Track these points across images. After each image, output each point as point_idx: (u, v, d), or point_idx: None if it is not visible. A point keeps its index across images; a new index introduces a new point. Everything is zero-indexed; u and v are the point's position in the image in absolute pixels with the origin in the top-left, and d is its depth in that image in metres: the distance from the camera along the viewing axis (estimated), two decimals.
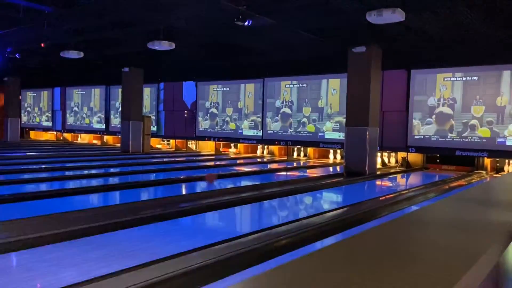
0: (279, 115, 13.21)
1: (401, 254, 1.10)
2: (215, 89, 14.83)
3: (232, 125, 14.31)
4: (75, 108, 19.26)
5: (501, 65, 9.77)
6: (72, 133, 19.98)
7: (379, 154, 11.04)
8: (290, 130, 12.98)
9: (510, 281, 1.65)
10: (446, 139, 10.43)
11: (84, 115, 18.90)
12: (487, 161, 10.55)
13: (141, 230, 4.26)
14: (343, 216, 5.12)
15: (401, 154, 11.47)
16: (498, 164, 10.67)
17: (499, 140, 9.82)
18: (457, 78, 10.34)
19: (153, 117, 16.18)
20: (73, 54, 10.81)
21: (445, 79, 10.48)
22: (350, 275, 0.88)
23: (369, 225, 3.56)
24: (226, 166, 11.00)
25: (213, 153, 14.94)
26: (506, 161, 10.49)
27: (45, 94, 20.68)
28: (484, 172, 10.37)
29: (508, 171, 10.39)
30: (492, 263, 1.16)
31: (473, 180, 9.08)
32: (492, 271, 1.15)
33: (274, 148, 14.00)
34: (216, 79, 14.75)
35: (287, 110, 13.09)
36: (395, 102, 11.15)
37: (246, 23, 7.22)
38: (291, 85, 13.03)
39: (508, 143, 9.72)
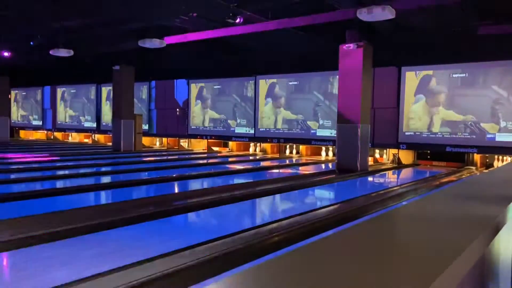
0: (269, 112, 13.23)
1: (384, 248, 1.11)
2: (207, 87, 14.79)
3: (224, 123, 14.29)
4: (66, 107, 19.10)
5: (490, 62, 9.86)
6: (62, 132, 19.83)
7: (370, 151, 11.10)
8: (280, 127, 13.00)
9: (495, 273, 1.69)
10: (437, 136, 10.52)
11: (75, 114, 18.75)
12: (477, 157, 10.66)
13: (133, 229, 4.26)
14: (334, 212, 5.15)
15: (392, 151, 11.56)
16: (487, 160, 10.80)
17: (488, 136, 9.92)
18: (448, 75, 10.42)
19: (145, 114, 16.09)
20: (63, 52, 10.72)
21: (435, 76, 10.55)
22: (331, 272, 0.90)
23: (360, 222, 3.59)
24: (218, 164, 10.98)
25: (206, 151, 14.92)
26: (496, 156, 10.61)
27: (35, 93, 20.46)
28: (474, 168, 10.49)
29: (497, 167, 10.51)
30: (477, 256, 1.19)
31: (463, 176, 9.17)
32: (476, 264, 1.18)
33: (267, 146, 14.02)
34: (208, 77, 14.71)
35: (277, 107, 13.10)
36: (386, 99, 11.21)
37: (237, 21, 7.22)
38: (283, 83, 13.03)
39: (497, 139, 9.83)
